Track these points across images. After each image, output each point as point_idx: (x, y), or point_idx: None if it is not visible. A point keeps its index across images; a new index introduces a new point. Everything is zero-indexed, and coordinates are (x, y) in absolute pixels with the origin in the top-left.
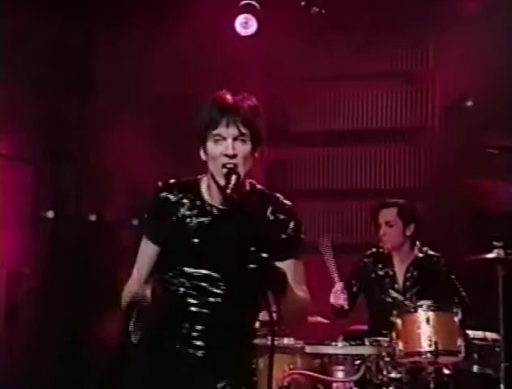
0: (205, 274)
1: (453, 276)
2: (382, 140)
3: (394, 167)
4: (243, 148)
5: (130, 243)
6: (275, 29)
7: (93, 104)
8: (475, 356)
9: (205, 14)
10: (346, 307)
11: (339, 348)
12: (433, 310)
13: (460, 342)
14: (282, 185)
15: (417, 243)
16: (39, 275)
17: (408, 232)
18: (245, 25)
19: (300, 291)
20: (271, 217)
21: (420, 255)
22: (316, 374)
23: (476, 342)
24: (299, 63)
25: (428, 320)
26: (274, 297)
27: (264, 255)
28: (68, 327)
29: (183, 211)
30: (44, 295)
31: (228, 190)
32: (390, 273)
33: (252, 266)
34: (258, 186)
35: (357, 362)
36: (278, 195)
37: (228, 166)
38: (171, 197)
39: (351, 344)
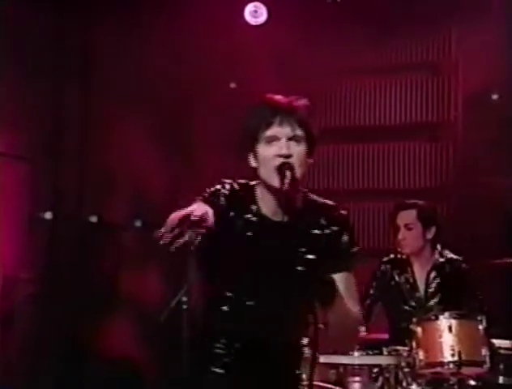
0: (251, 286)
1: (477, 282)
2: (401, 136)
3: (413, 165)
4: (298, 149)
5: (132, 245)
6: (287, 18)
7: (95, 100)
8: (501, 366)
9: (212, 2)
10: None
11: (356, 357)
12: (455, 318)
13: (485, 352)
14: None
15: (438, 247)
16: (36, 280)
17: (429, 236)
18: (255, 14)
19: (351, 306)
20: (324, 228)
21: (442, 260)
22: (331, 386)
23: (502, 351)
24: (312, 55)
25: (450, 328)
26: (322, 307)
27: (311, 257)
28: (68, 334)
29: (234, 216)
30: (43, 301)
31: (284, 186)
32: (411, 280)
33: (300, 271)
34: (313, 195)
35: (375, 373)
36: (333, 204)
37: (283, 163)
38: (223, 199)
39: (368, 354)
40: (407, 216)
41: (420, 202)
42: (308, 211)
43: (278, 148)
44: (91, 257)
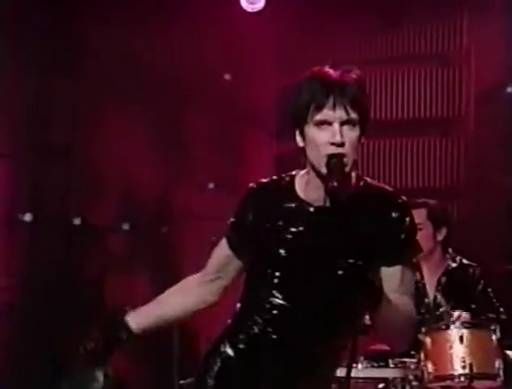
0: (288, 282)
1: (490, 289)
2: (408, 132)
3: (421, 163)
4: (352, 135)
5: (119, 250)
6: (286, 5)
7: (83, 95)
8: None
9: None
10: (368, 322)
11: (360, 370)
12: (467, 328)
13: (498, 364)
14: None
15: (449, 250)
16: (15, 288)
17: (439, 237)
18: (252, 0)
19: (405, 303)
20: (381, 216)
21: (454, 265)
22: None
23: None
24: (313, 45)
25: (461, 339)
26: (368, 312)
27: (360, 263)
28: (50, 347)
29: (270, 214)
30: (23, 310)
31: (334, 184)
32: (420, 285)
33: (346, 276)
34: (367, 179)
35: (380, 387)
36: (390, 189)
37: (334, 155)
38: (259, 200)
39: (373, 366)
40: (417, 216)
41: (431, 201)
42: (362, 197)
43: (330, 134)
44: (75, 262)
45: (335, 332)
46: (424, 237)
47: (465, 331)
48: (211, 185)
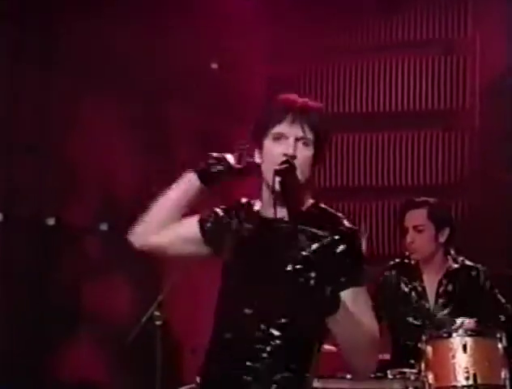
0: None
1: (496, 292)
2: (409, 125)
3: (423, 158)
4: (305, 153)
5: (97, 252)
6: None
7: (57, 84)
8: None
9: None
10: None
11: (356, 382)
12: (470, 335)
13: (504, 374)
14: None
15: (452, 252)
16: None
17: (442, 239)
18: None
19: (363, 320)
20: (330, 241)
21: (456, 266)
22: None
23: None
24: (308, 31)
25: (465, 347)
26: (326, 319)
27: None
28: (20, 358)
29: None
30: None
31: (277, 167)
32: (419, 289)
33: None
34: (321, 205)
35: None
36: (340, 215)
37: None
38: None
39: (370, 377)
40: (417, 217)
41: (432, 200)
42: (314, 219)
43: (284, 147)
44: (49, 265)
45: (296, 341)
46: (425, 239)
47: (468, 340)
48: None
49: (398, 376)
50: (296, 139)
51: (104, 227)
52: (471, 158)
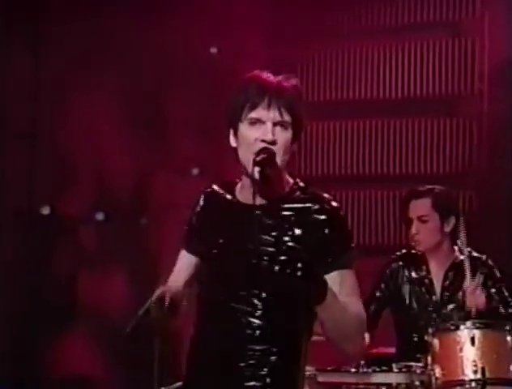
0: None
1: (503, 284)
2: (414, 112)
3: (429, 146)
4: (284, 136)
5: (92, 243)
6: None
7: (49, 68)
8: None
9: None
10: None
11: (360, 375)
12: (479, 328)
13: None
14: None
15: (458, 242)
16: None
17: (447, 229)
18: None
19: (351, 301)
20: (313, 221)
21: (462, 257)
22: None
23: None
24: (313, 15)
25: (472, 340)
26: (311, 305)
27: (295, 246)
28: (15, 352)
29: (214, 213)
30: None
31: (257, 158)
32: (426, 281)
33: (283, 262)
34: (301, 184)
35: None
36: (325, 195)
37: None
38: (206, 202)
39: (374, 371)
40: (421, 206)
41: (436, 188)
42: (295, 199)
43: (262, 133)
44: (43, 257)
45: (282, 330)
46: (430, 229)
47: (477, 332)
48: (195, 171)
49: (403, 370)
50: (274, 124)
51: (100, 217)
52: (479, 146)
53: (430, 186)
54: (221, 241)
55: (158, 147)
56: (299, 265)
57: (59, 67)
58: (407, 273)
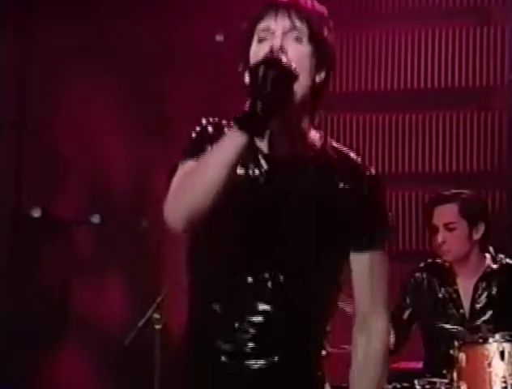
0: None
1: None
2: (440, 105)
3: (456, 142)
4: (299, 48)
5: (87, 247)
6: None
7: (40, 57)
8: None
9: None
10: (391, 347)
11: None
12: (509, 341)
13: None
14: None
15: (491, 250)
16: None
17: (476, 236)
18: None
19: (373, 306)
20: (348, 187)
21: (494, 266)
22: None
23: None
24: None
25: (502, 354)
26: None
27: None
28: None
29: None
30: None
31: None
32: (453, 294)
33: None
34: (333, 142)
35: None
36: (359, 159)
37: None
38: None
39: (395, 388)
40: (447, 213)
41: (463, 192)
42: (326, 161)
43: (270, 43)
44: (34, 263)
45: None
46: (457, 237)
47: (506, 346)
48: None
49: (427, 386)
50: (284, 33)
51: (95, 219)
52: (510, 141)
53: (457, 191)
54: (241, 204)
55: (158, 144)
56: (331, 233)
57: (50, 59)
58: (433, 284)
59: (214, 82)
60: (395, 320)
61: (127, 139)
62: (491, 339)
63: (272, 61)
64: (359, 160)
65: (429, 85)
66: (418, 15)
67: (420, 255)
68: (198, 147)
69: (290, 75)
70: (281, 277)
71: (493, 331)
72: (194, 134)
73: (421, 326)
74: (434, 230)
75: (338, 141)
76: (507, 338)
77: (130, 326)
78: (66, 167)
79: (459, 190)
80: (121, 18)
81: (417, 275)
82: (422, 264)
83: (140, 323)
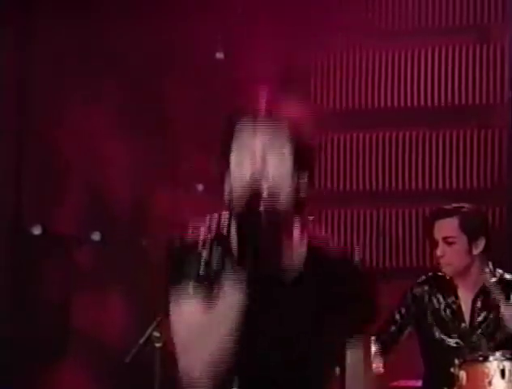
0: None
1: None
2: (440, 122)
3: (456, 159)
4: (279, 164)
5: (88, 265)
6: None
7: (38, 68)
8: None
9: None
10: (381, 370)
11: None
12: (509, 359)
13: None
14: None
15: (490, 265)
16: None
17: (476, 251)
18: None
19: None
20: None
21: (493, 280)
22: None
23: None
24: (321, 12)
25: (503, 373)
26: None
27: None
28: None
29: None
30: None
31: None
32: (454, 307)
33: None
34: (317, 240)
35: None
36: (342, 250)
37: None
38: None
39: None
40: (447, 227)
41: (463, 207)
42: (309, 262)
43: (247, 164)
44: (34, 280)
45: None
46: (457, 251)
47: (507, 364)
48: (200, 187)
49: None
50: (264, 150)
51: (96, 237)
52: (510, 159)
53: (457, 205)
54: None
55: (159, 160)
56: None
57: (51, 72)
58: (433, 298)
59: (214, 103)
60: (386, 329)
61: (127, 155)
62: (491, 358)
63: (256, 212)
64: (340, 252)
65: (430, 103)
66: (418, 33)
67: (421, 272)
68: (180, 273)
69: (275, 216)
70: None
71: (493, 349)
72: (170, 260)
73: (421, 339)
74: (434, 244)
75: (338, 159)
76: (507, 356)
77: (130, 343)
78: (67, 184)
79: (460, 204)
80: (121, 18)
81: (417, 289)
82: (422, 278)
83: (140, 341)
